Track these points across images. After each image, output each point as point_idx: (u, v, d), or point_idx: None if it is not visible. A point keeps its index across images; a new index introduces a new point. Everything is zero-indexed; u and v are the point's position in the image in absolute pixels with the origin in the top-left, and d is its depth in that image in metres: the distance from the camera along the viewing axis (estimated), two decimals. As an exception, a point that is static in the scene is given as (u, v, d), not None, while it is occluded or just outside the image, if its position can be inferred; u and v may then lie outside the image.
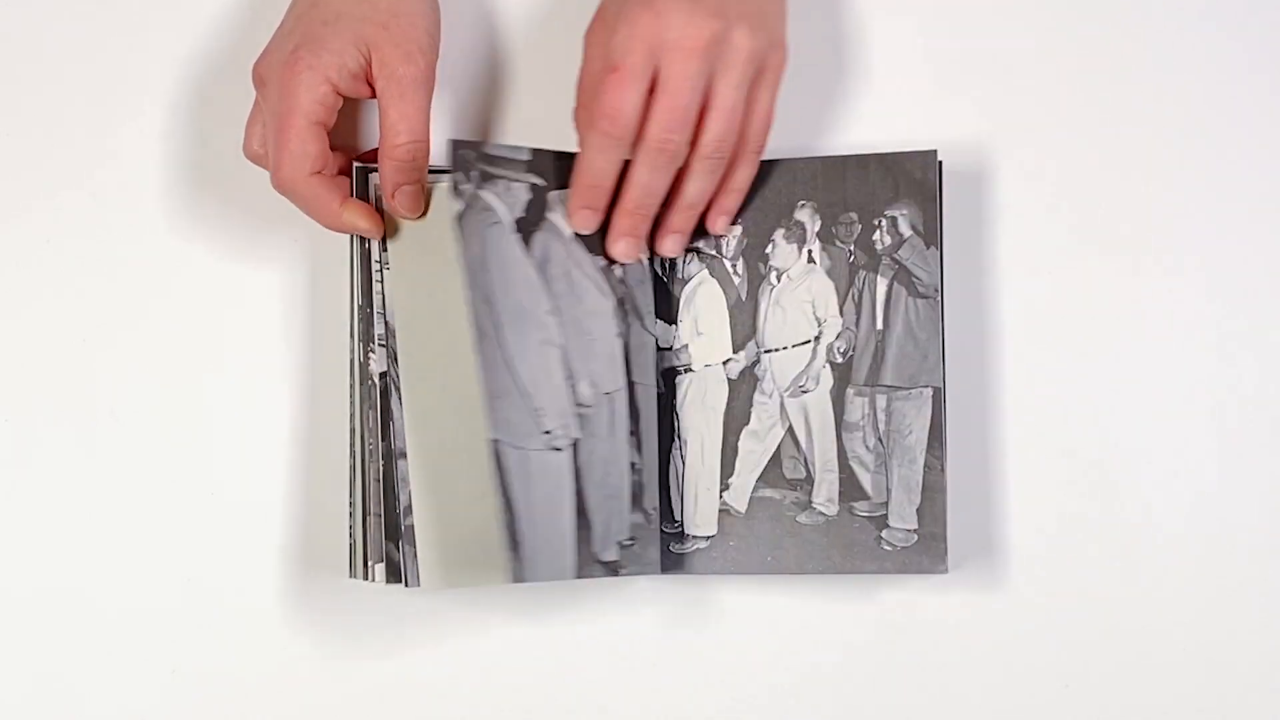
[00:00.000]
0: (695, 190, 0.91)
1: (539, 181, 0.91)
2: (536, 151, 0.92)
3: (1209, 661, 0.95)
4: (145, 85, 0.98)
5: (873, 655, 0.96)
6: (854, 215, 0.94)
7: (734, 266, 0.95)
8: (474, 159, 0.90)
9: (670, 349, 0.95)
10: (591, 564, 0.92)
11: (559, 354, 0.91)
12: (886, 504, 0.93)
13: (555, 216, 0.92)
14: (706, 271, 0.95)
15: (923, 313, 0.93)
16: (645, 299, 0.94)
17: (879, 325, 0.93)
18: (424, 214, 0.92)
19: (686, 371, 0.95)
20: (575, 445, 0.91)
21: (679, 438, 0.95)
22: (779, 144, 0.96)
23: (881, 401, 0.93)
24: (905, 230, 0.93)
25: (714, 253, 0.95)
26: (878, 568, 0.93)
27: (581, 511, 0.92)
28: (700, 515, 0.94)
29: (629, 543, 0.93)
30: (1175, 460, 0.96)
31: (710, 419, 0.95)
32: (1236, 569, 0.95)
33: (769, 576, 0.95)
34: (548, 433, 0.90)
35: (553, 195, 0.92)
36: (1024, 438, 0.96)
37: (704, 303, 0.95)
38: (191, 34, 0.98)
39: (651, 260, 0.95)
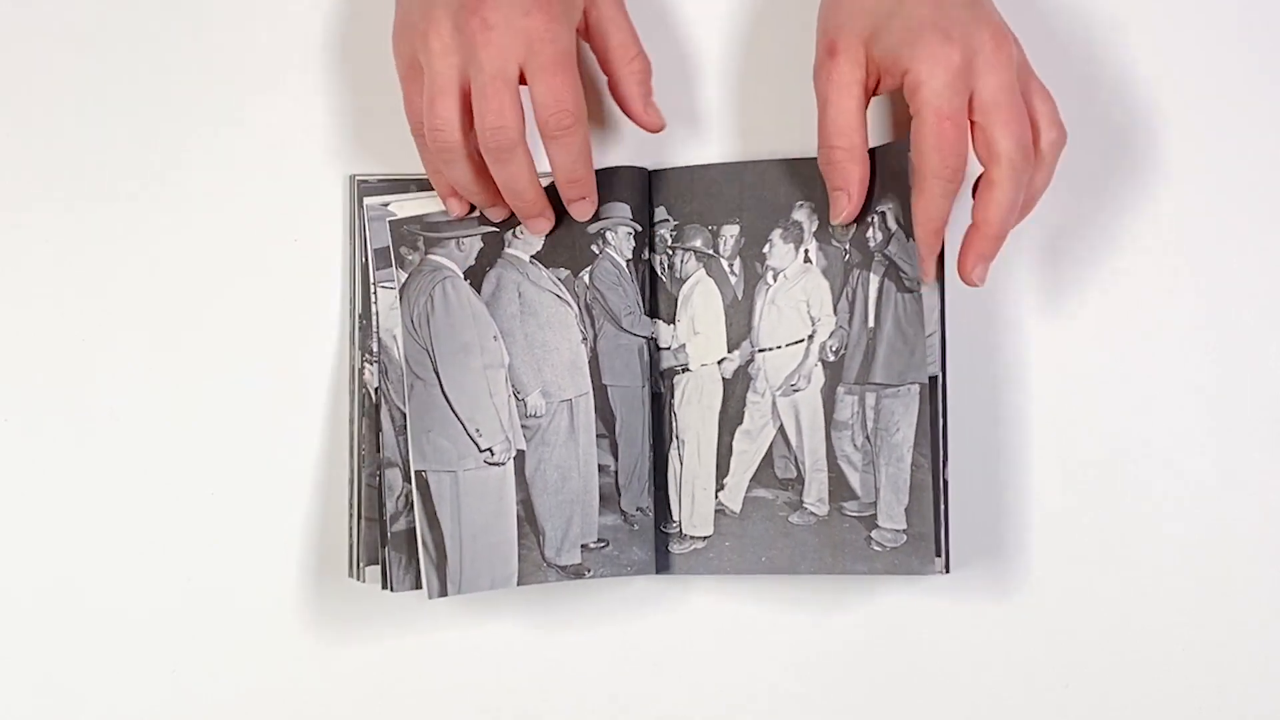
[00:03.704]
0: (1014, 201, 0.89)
1: (493, 229, 0.94)
2: None
3: (1209, 661, 0.94)
4: (143, 85, 0.98)
5: (873, 656, 0.95)
6: None
7: (730, 266, 0.95)
8: (417, 230, 0.93)
9: (668, 349, 0.95)
10: (544, 569, 0.92)
11: (503, 373, 0.92)
12: (875, 504, 0.92)
13: (511, 249, 0.94)
14: (703, 271, 0.95)
15: (909, 308, 0.91)
16: (621, 301, 0.94)
17: (870, 323, 0.93)
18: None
19: (684, 371, 0.95)
20: (520, 457, 0.92)
21: (677, 438, 0.95)
22: (777, 144, 0.95)
23: (870, 399, 0.92)
24: (893, 225, 0.92)
25: (711, 252, 0.95)
26: (868, 568, 0.92)
27: (531, 519, 0.92)
28: (697, 515, 0.94)
29: (599, 545, 0.93)
30: (1176, 461, 0.95)
31: (706, 418, 0.95)
32: (1237, 570, 0.95)
33: (768, 577, 0.95)
34: (487, 450, 0.92)
35: (508, 235, 0.94)
36: (1025, 439, 0.95)
37: (701, 302, 0.95)
38: (192, 34, 0.98)
39: (649, 260, 0.95)
